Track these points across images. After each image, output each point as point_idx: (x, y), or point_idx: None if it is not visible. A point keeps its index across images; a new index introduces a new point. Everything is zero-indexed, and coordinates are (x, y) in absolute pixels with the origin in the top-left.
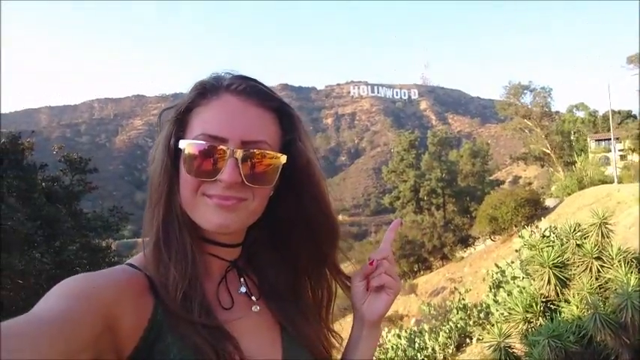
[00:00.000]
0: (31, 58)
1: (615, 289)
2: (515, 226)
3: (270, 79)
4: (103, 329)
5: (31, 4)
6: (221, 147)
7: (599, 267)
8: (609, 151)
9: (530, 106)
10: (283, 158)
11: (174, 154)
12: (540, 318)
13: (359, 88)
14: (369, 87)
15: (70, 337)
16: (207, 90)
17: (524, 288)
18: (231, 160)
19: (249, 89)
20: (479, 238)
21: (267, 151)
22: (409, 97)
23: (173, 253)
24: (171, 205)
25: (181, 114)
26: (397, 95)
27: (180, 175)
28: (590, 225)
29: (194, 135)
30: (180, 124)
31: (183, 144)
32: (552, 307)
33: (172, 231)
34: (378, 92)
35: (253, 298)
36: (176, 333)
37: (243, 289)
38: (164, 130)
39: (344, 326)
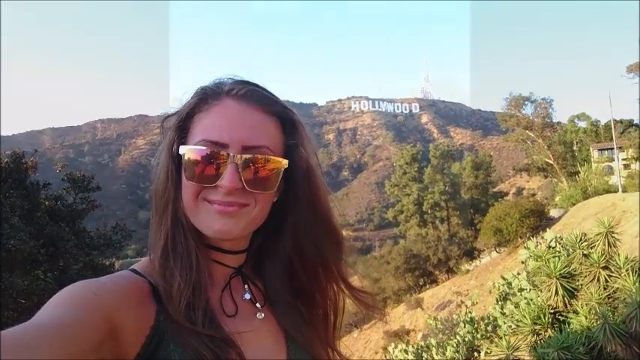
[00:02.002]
0: (33, 80)
1: (624, 299)
2: (521, 238)
3: None
4: (104, 336)
5: (33, 27)
6: (222, 152)
7: (606, 277)
8: (612, 160)
9: (531, 117)
10: (285, 163)
11: (177, 160)
12: (549, 329)
13: (360, 103)
14: (370, 102)
15: (71, 344)
16: (208, 95)
17: (531, 300)
18: (231, 166)
19: (250, 94)
20: (484, 250)
21: (269, 156)
22: (410, 111)
23: (179, 259)
24: (177, 212)
25: (183, 120)
26: (398, 109)
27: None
28: (597, 234)
29: (195, 141)
30: (182, 131)
31: (183, 150)
32: (561, 318)
33: (178, 237)
34: (379, 107)
35: (258, 305)
36: (178, 340)
37: (247, 296)
38: (166, 138)
39: (348, 343)
